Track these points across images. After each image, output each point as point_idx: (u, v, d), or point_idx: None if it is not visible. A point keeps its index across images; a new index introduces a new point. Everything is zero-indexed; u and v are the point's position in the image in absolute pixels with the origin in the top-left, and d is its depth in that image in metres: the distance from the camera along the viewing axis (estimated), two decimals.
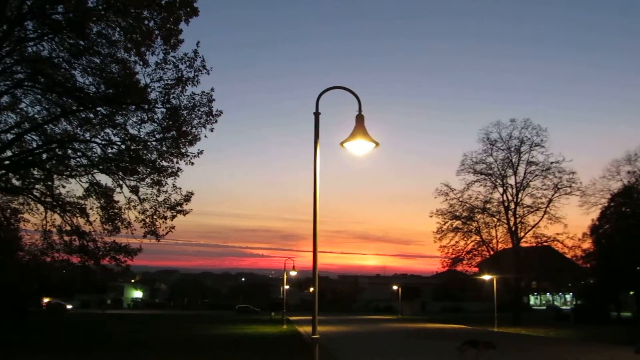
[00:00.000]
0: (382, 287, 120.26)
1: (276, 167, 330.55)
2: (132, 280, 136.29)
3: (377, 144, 9.61)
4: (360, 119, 9.54)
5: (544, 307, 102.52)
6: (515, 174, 58.61)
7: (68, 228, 25.64)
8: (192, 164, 23.21)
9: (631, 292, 63.40)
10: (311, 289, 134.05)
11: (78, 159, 24.56)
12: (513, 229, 57.96)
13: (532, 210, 58.37)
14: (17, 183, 25.20)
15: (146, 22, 19.43)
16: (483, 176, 59.29)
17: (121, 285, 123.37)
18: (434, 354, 25.21)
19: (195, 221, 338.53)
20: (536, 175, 57.99)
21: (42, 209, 25.81)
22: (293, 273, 55.47)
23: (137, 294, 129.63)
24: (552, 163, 57.01)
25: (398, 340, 33.75)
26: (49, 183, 25.39)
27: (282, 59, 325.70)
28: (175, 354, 22.50)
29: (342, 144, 9.62)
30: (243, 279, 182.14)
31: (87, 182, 24.78)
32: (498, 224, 59.97)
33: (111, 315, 73.13)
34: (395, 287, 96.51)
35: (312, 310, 9.53)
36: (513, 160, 58.48)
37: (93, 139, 23.72)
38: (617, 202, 56.25)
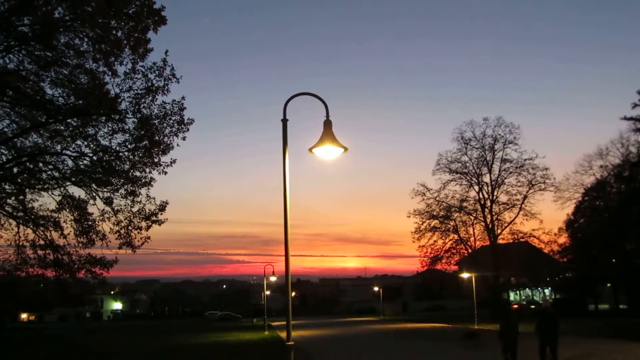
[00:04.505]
0: (364, 288, 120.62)
1: (251, 173, 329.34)
2: (112, 292, 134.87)
3: (345, 149, 9.66)
4: (327, 124, 9.58)
5: (524, 302, 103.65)
6: (490, 171, 59.38)
7: (41, 242, 25.19)
8: (166, 173, 23.03)
9: (608, 285, 64.42)
10: (293, 294, 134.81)
11: (50, 172, 24.18)
12: (490, 226, 58.63)
13: (507, 207, 59.20)
14: None
15: (114, 31, 19.28)
16: (459, 175, 60.00)
17: (100, 298, 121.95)
18: (411, 353, 25.75)
19: (173, 230, 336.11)
20: (510, 173, 58.84)
21: (14, 223, 25.38)
22: (273, 278, 55.33)
23: (117, 305, 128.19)
24: (525, 160, 57.92)
25: (377, 341, 33.97)
26: (21, 197, 24.97)
27: (252, 65, 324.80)
28: None
29: (310, 149, 9.67)
30: (224, 286, 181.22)
31: (59, 195, 24.36)
32: (475, 221, 60.68)
33: (86, 329, 72.16)
34: (376, 289, 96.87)
35: (287, 317, 9.51)
36: (487, 158, 59.23)
37: (64, 151, 23.39)
38: (591, 197, 57.25)
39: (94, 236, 24.54)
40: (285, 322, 9.59)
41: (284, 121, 9.76)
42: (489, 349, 22.36)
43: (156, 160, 22.68)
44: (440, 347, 27.60)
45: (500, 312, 17.29)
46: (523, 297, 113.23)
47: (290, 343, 9.30)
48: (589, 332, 32.58)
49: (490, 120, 58.87)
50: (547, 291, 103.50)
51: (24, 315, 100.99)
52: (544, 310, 17.55)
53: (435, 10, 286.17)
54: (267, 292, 62.73)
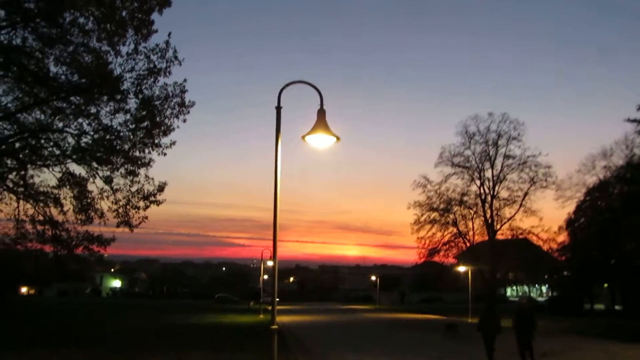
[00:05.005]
0: (362, 277, 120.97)
1: (254, 157, 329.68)
2: (112, 270, 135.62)
3: (338, 138, 9.79)
4: (321, 113, 9.71)
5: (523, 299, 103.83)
6: (492, 167, 59.20)
7: (41, 218, 25.45)
8: (165, 154, 23.23)
9: (605, 285, 64.53)
10: (291, 279, 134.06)
11: (51, 149, 24.39)
12: (489, 221, 58.59)
13: (508, 203, 59.05)
14: None
15: (119, 11, 19.38)
16: (461, 169, 59.82)
17: (100, 275, 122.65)
18: (395, 340, 26.44)
19: (174, 211, 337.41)
20: (513, 169, 58.64)
21: (14, 198, 25.59)
22: (270, 263, 55.55)
23: (116, 283, 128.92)
24: (528, 157, 57.68)
25: (369, 329, 34.34)
26: (22, 173, 25.17)
27: (256, 49, 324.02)
28: (137, 345, 22.50)
29: (303, 137, 9.80)
30: (224, 269, 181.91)
31: (60, 171, 24.57)
32: (475, 216, 60.57)
33: (81, 305, 72.66)
34: (373, 278, 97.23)
35: (272, 302, 9.66)
36: (490, 153, 59.03)
37: (66, 129, 23.59)
38: (593, 197, 57.09)
39: (92, 214, 24.79)
40: (281, 307, 9.74)
41: (278, 109, 9.87)
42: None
43: (156, 141, 22.88)
44: (424, 337, 28.74)
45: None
46: (520, 294, 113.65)
47: (274, 327, 9.44)
48: (582, 330, 32.73)
49: (495, 116, 58.67)
50: (544, 288, 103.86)
51: (24, 289, 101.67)
52: (521, 307, 18.02)
53: (440, 4, 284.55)
54: (265, 277, 63.06)
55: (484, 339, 17.48)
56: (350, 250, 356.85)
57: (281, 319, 42.24)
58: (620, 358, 20.39)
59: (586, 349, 23.13)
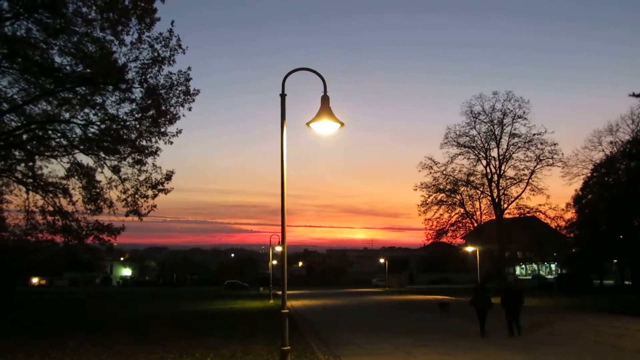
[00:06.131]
0: (370, 260, 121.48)
1: (261, 143, 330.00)
2: (122, 259, 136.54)
3: (342, 124, 9.84)
4: (325, 100, 9.75)
5: (530, 277, 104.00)
6: (498, 146, 59.22)
7: (50, 208, 25.67)
8: (171, 143, 23.36)
9: (614, 260, 64.47)
10: (300, 264, 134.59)
11: (58, 140, 24.56)
12: (496, 200, 58.70)
13: (515, 182, 59.19)
14: None
15: (121, 0, 19.39)
16: (466, 149, 59.87)
17: (110, 264, 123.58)
18: (406, 321, 26.93)
19: (182, 198, 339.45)
20: (519, 147, 58.65)
21: (23, 189, 25.82)
22: (279, 248, 55.95)
23: (126, 271, 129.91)
24: (534, 135, 57.68)
25: (380, 311, 34.65)
26: (31, 164, 25.36)
27: (262, 35, 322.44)
28: (149, 333, 22.78)
29: (308, 124, 9.85)
30: (232, 255, 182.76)
31: (68, 162, 24.78)
32: (482, 196, 60.76)
33: (93, 293, 73.35)
34: (382, 260, 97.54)
35: (282, 288, 9.79)
36: (496, 132, 59.03)
37: (73, 120, 23.71)
38: (600, 173, 56.94)
39: (101, 203, 25.01)
40: (290, 292, 9.90)
41: (282, 96, 9.91)
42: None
43: (163, 130, 23.01)
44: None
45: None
46: (529, 272, 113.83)
47: (285, 311, 9.60)
48: (590, 307, 32.85)
49: (500, 95, 58.56)
50: (553, 266, 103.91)
51: (35, 280, 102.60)
52: (509, 285, 20.25)
53: None
54: (274, 262, 63.44)
55: (477, 314, 18.94)
56: (357, 233, 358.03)
57: (291, 303, 42.57)
58: (606, 329, 20.45)
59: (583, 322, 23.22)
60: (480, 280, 21.12)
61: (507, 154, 58.91)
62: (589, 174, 57.74)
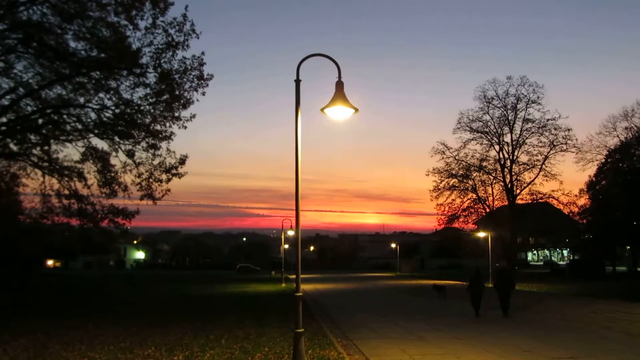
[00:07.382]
0: (382, 245, 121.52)
1: (273, 127, 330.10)
2: (135, 242, 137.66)
3: (356, 109, 9.85)
4: (339, 85, 9.75)
5: (542, 263, 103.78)
6: (511, 131, 58.73)
7: (66, 192, 25.95)
8: (185, 127, 23.57)
9: (627, 247, 64.13)
10: (312, 248, 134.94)
11: (73, 124, 24.79)
12: (509, 186, 58.38)
13: (528, 167, 58.70)
14: (14, 148, 25.38)
15: None
16: (479, 134, 59.37)
17: (123, 247, 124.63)
18: (417, 305, 27.06)
19: (195, 182, 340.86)
20: (532, 133, 58.10)
21: (39, 173, 26.12)
22: (290, 232, 56.14)
23: (140, 254, 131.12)
24: (548, 120, 57.04)
25: (391, 296, 34.82)
26: (46, 148, 25.61)
27: (275, 20, 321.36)
28: (168, 313, 23.09)
29: (322, 110, 9.89)
30: (244, 239, 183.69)
31: (83, 146, 25.02)
32: (494, 181, 60.34)
33: (107, 276, 74.36)
34: (393, 245, 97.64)
35: (296, 271, 9.89)
36: (509, 117, 58.51)
37: (87, 104, 23.91)
38: (614, 159, 56.52)
39: (116, 187, 25.29)
40: (302, 276, 10.00)
41: (297, 82, 9.92)
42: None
43: (176, 114, 23.17)
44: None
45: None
46: (541, 258, 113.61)
47: (299, 294, 9.71)
48: (601, 293, 32.78)
49: (514, 79, 58.01)
50: (565, 252, 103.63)
51: (50, 262, 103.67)
52: (501, 270, 22.30)
53: None
54: (286, 246, 63.72)
55: (471, 297, 20.74)
56: (369, 218, 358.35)
57: (303, 287, 42.66)
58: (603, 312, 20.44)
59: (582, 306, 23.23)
60: (476, 269, 21.68)
61: (520, 139, 58.49)
62: (603, 160, 57.40)
